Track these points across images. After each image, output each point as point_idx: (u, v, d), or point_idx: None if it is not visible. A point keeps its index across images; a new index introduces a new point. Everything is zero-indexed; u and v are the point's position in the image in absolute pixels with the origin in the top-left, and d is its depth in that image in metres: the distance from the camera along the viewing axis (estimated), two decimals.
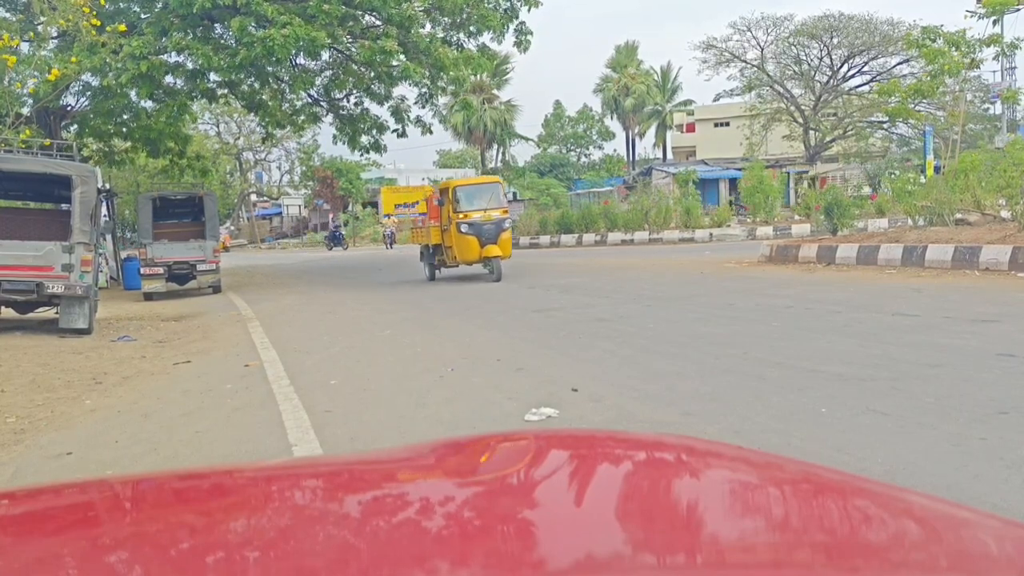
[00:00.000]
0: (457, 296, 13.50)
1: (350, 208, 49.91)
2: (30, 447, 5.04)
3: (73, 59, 14.18)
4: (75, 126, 20.34)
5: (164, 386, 6.89)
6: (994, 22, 20.31)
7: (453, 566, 0.79)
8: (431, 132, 22.56)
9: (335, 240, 40.89)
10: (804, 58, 37.49)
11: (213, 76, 17.97)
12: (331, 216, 45.04)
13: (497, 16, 18.28)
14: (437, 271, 17.01)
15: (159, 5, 16.79)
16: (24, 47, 14.91)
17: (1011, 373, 5.37)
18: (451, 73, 18.07)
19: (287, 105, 22.26)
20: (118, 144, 22.93)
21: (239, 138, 48.82)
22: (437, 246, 16.46)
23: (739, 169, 35.51)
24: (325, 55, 19.23)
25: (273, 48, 14.80)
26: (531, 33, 19.22)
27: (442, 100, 23.98)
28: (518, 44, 19.29)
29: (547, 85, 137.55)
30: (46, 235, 10.90)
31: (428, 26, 18.73)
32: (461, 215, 15.33)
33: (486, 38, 19.36)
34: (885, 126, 36.02)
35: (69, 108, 19.36)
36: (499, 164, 55.82)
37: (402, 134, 21.47)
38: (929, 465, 3.71)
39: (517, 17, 18.89)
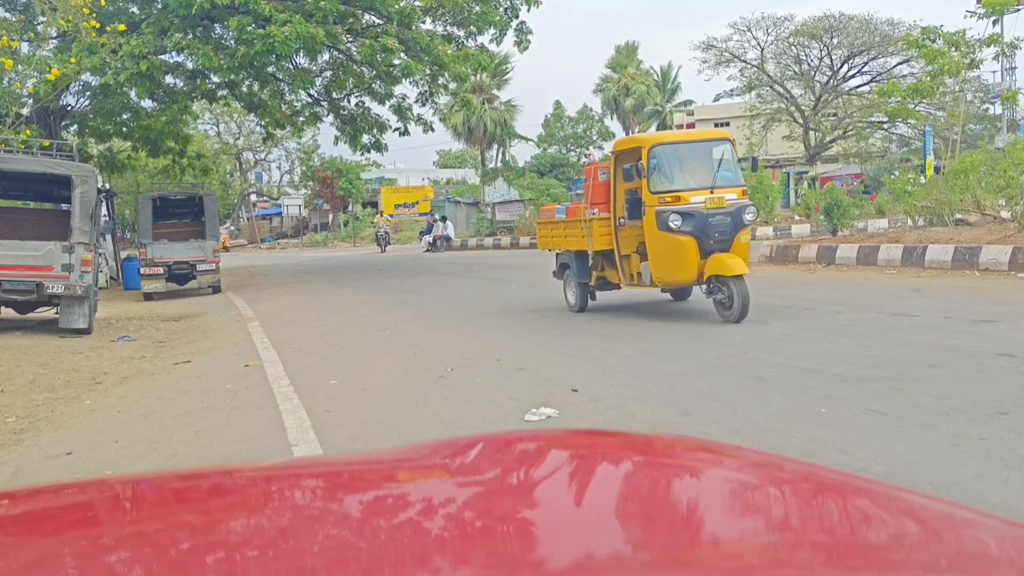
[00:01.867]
0: (457, 296, 13.50)
1: (350, 208, 49.85)
2: (30, 447, 5.04)
3: (72, 59, 14.19)
4: (75, 126, 20.34)
5: (164, 386, 6.89)
6: (994, 22, 20.32)
7: (453, 566, 0.79)
8: (432, 130, 22.59)
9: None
10: (804, 58, 37.48)
11: (213, 76, 17.98)
12: (431, 216, 39.81)
13: (498, 13, 18.31)
14: (591, 295, 10.26)
15: (158, 5, 16.81)
16: (24, 47, 14.93)
17: (1011, 373, 5.37)
18: (451, 70, 18.04)
19: (286, 106, 22.28)
20: (118, 144, 22.92)
21: (239, 138, 48.83)
22: (603, 253, 9.67)
23: None
24: (325, 55, 19.26)
25: (274, 45, 14.81)
26: (531, 32, 19.28)
27: (443, 100, 23.98)
28: (518, 43, 19.33)
29: (547, 85, 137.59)
30: (46, 235, 10.90)
31: (428, 22, 18.76)
32: (667, 197, 8.58)
33: (486, 38, 19.43)
34: (885, 126, 36.02)
35: (69, 108, 19.36)
36: (499, 164, 55.80)
37: (404, 132, 21.48)
38: (929, 465, 3.71)
39: (518, 16, 18.94)
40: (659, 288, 9.39)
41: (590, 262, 9.96)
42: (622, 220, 9.31)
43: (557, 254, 10.91)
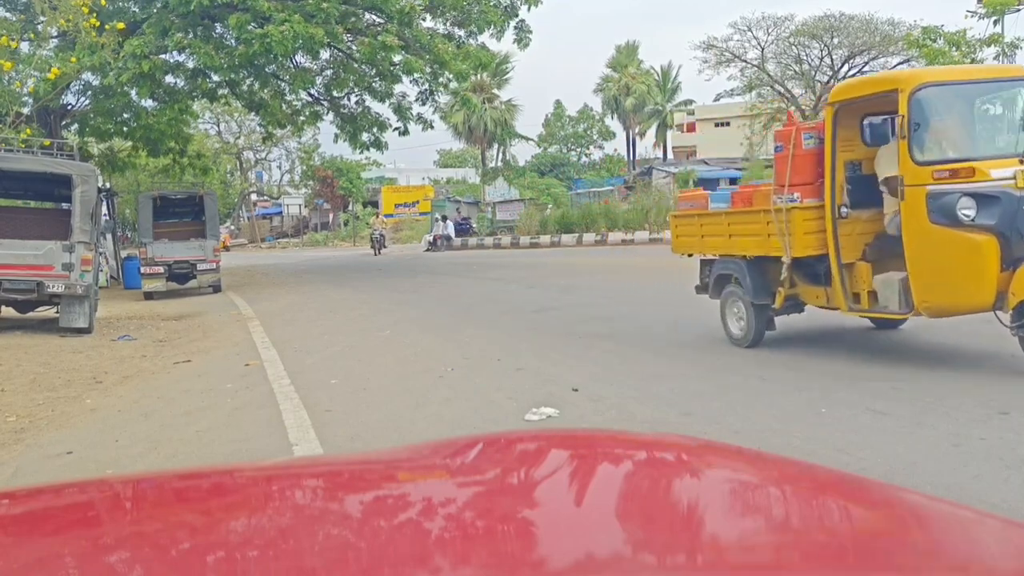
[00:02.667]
0: (457, 296, 13.50)
1: (350, 207, 49.89)
2: (30, 446, 5.04)
3: (72, 59, 14.19)
4: (76, 125, 20.34)
5: (164, 385, 6.89)
6: (994, 22, 20.34)
7: (453, 566, 0.79)
8: (432, 127, 22.58)
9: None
10: (805, 58, 37.47)
11: (214, 76, 17.99)
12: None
13: (498, 12, 18.32)
14: (770, 323, 6.97)
15: (159, 4, 16.82)
16: (24, 46, 14.92)
17: (1011, 373, 5.37)
18: (452, 68, 18.03)
19: (287, 106, 22.28)
20: (119, 144, 22.93)
21: (239, 137, 48.85)
22: (804, 261, 6.47)
23: (739, 169, 35.51)
24: (325, 55, 19.27)
25: (271, 45, 14.80)
26: (531, 31, 19.29)
27: (443, 99, 23.99)
28: (518, 41, 19.36)
29: (547, 85, 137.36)
30: (46, 234, 10.90)
31: (428, 19, 18.78)
32: (945, 171, 5.39)
33: (486, 36, 19.46)
34: None
35: (69, 107, 19.36)
36: (499, 163, 55.81)
37: (404, 132, 21.48)
38: (929, 465, 3.71)
39: (517, 15, 18.95)
40: (877, 314, 6.24)
41: (783, 273, 6.50)
42: (843, 210, 6.13)
43: (705, 261, 7.84)
